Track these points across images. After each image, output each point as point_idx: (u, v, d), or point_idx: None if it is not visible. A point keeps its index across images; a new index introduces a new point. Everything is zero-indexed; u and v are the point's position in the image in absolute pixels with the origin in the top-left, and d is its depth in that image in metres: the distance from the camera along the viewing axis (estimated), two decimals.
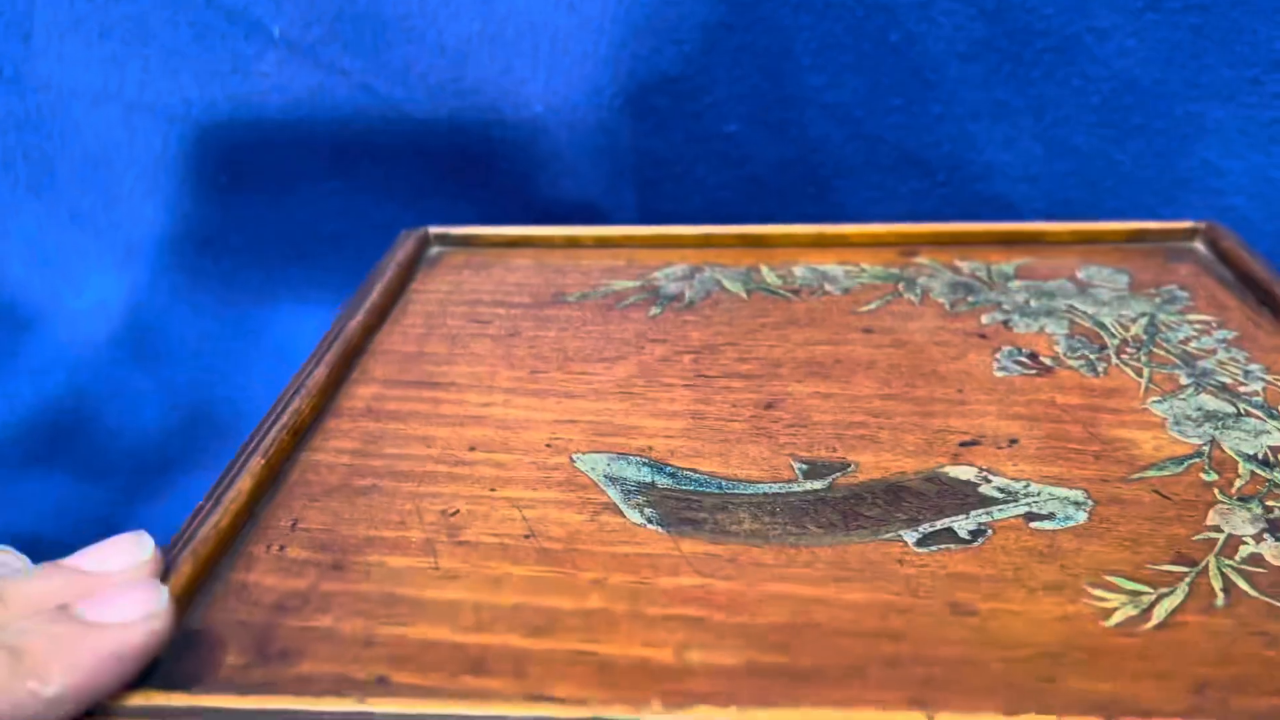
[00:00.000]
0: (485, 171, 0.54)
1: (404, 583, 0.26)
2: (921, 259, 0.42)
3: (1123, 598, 0.25)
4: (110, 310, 0.61)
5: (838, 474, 0.29)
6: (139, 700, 0.22)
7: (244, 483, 0.29)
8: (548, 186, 0.54)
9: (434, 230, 0.45)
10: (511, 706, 0.22)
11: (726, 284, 0.41)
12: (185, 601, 0.25)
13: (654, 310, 0.39)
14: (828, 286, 0.40)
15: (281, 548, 0.27)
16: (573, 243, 0.45)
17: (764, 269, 0.42)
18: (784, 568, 0.26)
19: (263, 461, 0.30)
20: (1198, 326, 0.37)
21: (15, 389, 0.59)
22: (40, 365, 0.61)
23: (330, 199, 0.57)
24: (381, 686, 0.23)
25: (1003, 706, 0.21)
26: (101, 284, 0.61)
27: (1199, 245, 0.43)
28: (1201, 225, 0.43)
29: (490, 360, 0.36)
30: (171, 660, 0.23)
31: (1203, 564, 0.25)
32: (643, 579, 0.26)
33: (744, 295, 0.40)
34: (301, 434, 0.32)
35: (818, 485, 0.29)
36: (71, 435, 0.59)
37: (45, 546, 0.40)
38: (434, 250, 0.45)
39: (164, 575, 0.25)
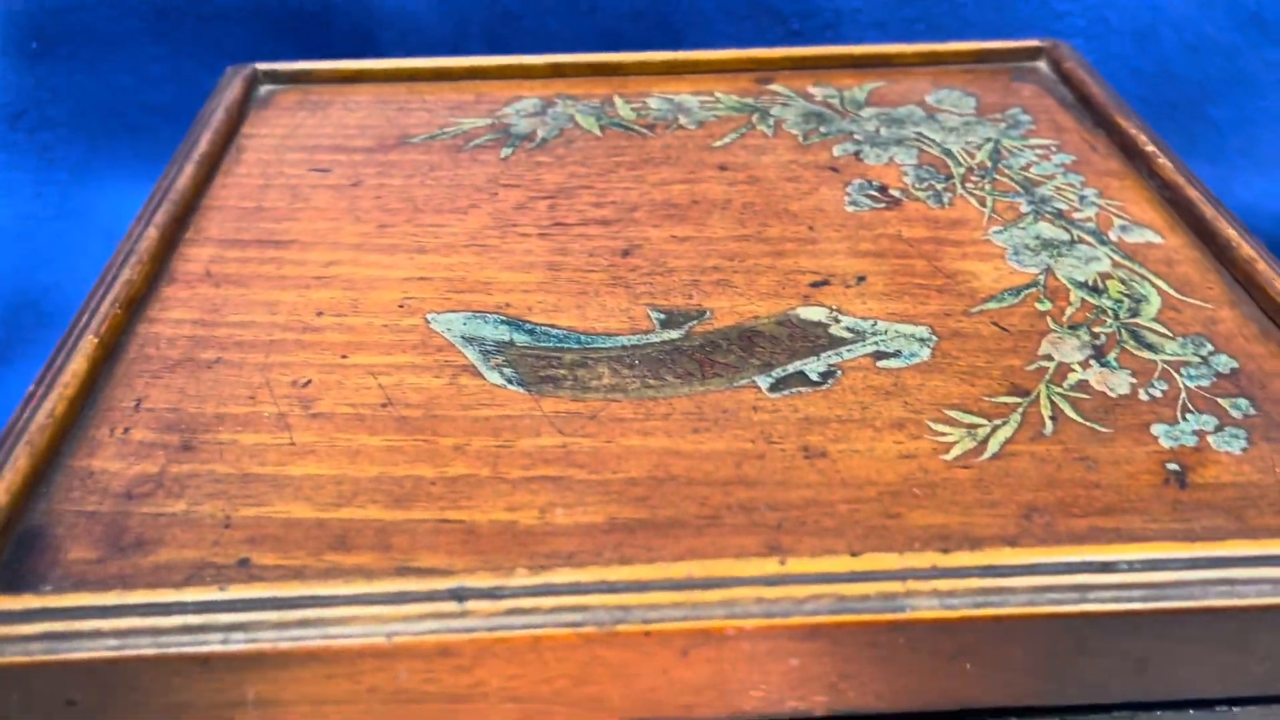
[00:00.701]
0: (325, 32, 0.51)
1: (259, 460, 0.25)
2: (776, 86, 0.42)
3: (961, 431, 0.26)
4: None
5: (694, 322, 0.30)
6: None
7: (78, 364, 0.27)
8: (392, 47, 0.51)
9: (262, 67, 0.42)
10: (378, 583, 0.22)
11: (580, 120, 0.40)
12: (24, 495, 0.24)
13: (505, 151, 0.38)
14: (682, 120, 0.40)
15: (126, 430, 0.26)
16: (414, 75, 0.43)
17: (618, 100, 0.41)
18: (643, 421, 0.26)
19: (95, 339, 0.28)
20: (1038, 151, 0.37)
21: None
22: None
23: (154, 64, 0.53)
24: (243, 570, 0.22)
25: (848, 547, 0.23)
26: None
27: (1042, 65, 0.43)
28: (1046, 44, 0.43)
29: (334, 213, 0.34)
30: (15, 560, 0.23)
31: (1034, 394, 0.27)
32: (504, 442, 0.26)
33: (598, 132, 0.39)
34: (136, 305, 0.30)
35: (675, 335, 0.29)
36: None
37: None
38: (264, 89, 0.42)
39: None
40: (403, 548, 0.23)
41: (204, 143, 0.37)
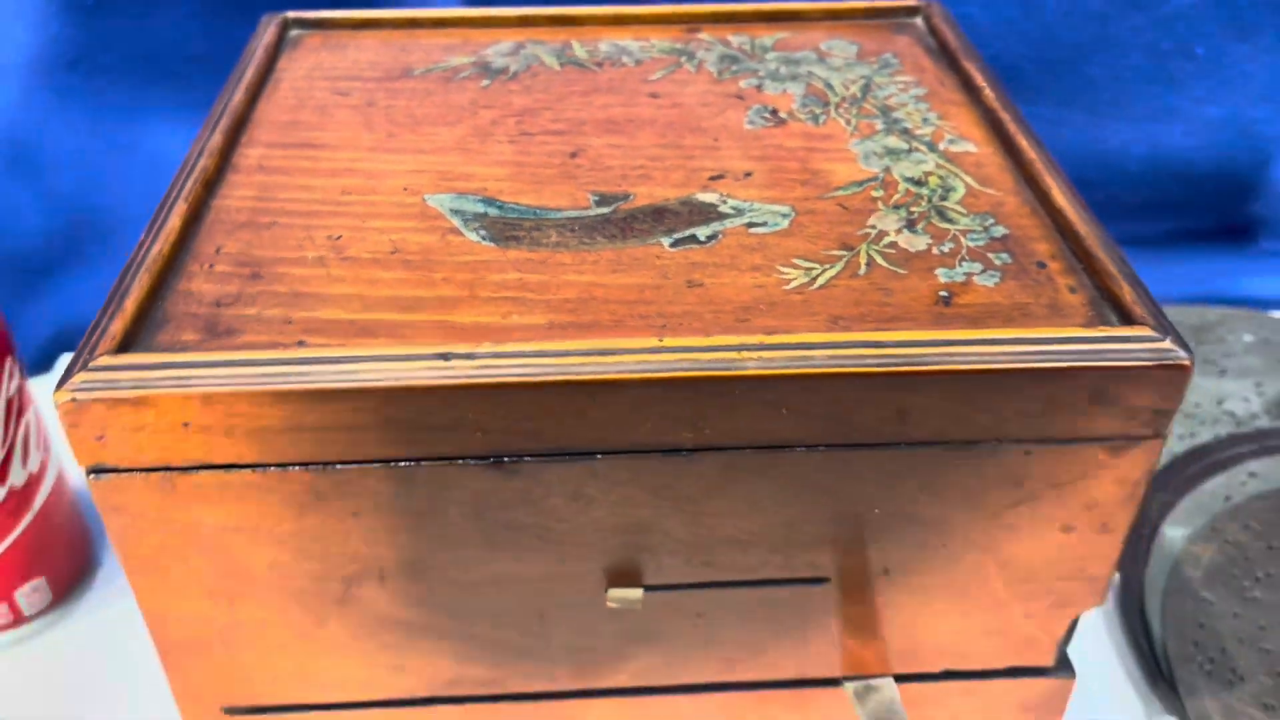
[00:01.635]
0: None
1: (307, 285, 0.36)
2: (702, 34, 0.52)
3: (799, 272, 0.37)
4: None
5: (620, 202, 0.40)
6: (125, 360, 0.32)
7: (173, 222, 0.38)
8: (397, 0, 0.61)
9: (291, 15, 0.53)
10: (401, 348, 0.33)
11: (544, 59, 0.50)
12: (147, 302, 0.35)
13: (485, 82, 0.48)
14: (624, 59, 0.50)
15: (211, 266, 0.37)
16: (413, 24, 0.53)
17: (575, 44, 0.51)
18: (578, 265, 0.37)
19: (185, 205, 0.39)
20: (900, 86, 0.48)
21: None
22: None
23: (191, 21, 0.63)
24: (301, 347, 0.33)
25: (706, 334, 0.34)
26: None
27: (918, 21, 0.54)
28: (921, 4, 0.54)
29: (353, 126, 0.45)
30: (147, 338, 0.33)
31: (857, 249, 0.38)
32: (479, 276, 0.37)
33: (558, 68, 0.50)
34: (210, 186, 0.41)
35: (605, 210, 0.40)
36: None
37: None
38: (293, 33, 0.53)
39: (121, 297, 0.34)
40: (409, 336, 0.34)
41: (249, 74, 0.48)
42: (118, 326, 0.33)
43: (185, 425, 0.32)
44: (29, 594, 0.50)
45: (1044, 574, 0.38)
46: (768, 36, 0.52)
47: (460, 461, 0.34)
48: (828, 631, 0.39)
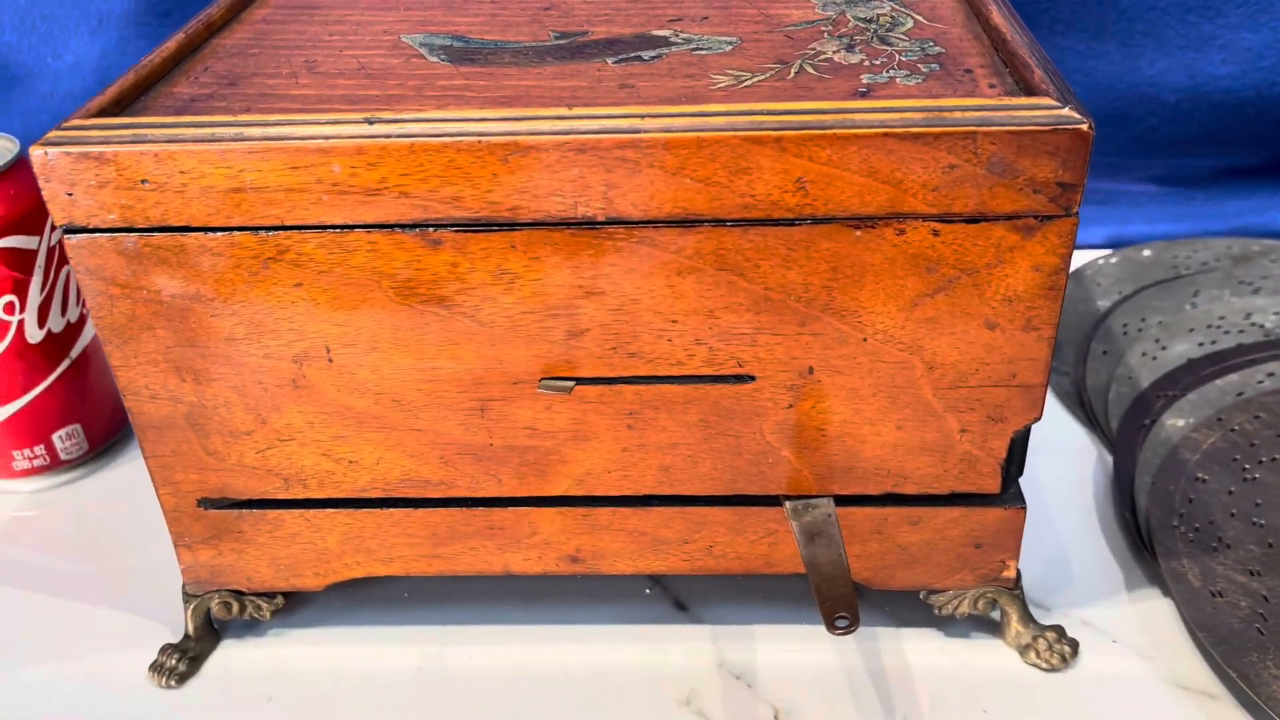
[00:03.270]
0: None
1: (274, 90, 0.39)
2: None
3: (730, 78, 0.38)
4: (84, 70, 0.74)
5: (578, 37, 0.43)
6: (93, 122, 0.36)
7: (169, 44, 0.42)
8: None
9: None
10: (331, 113, 0.36)
11: None
12: (129, 97, 0.39)
13: None
14: None
15: (196, 78, 0.41)
16: None
17: None
18: (521, 76, 0.40)
19: (184, 35, 0.43)
20: None
21: (9, 128, 0.73)
22: (30, 111, 0.74)
23: None
24: (244, 114, 0.37)
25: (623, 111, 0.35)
26: (77, 48, 0.74)
27: None
28: None
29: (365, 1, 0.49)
30: (120, 116, 0.37)
31: (791, 63, 0.39)
32: (428, 82, 0.39)
33: None
34: (214, 28, 0.45)
35: (562, 42, 0.43)
36: None
37: None
38: None
39: (105, 89, 0.38)
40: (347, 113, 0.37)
41: None
42: (95, 103, 0.37)
43: (143, 183, 0.36)
44: (65, 439, 0.55)
45: (974, 379, 0.38)
46: None
47: (389, 229, 0.36)
48: (761, 439, 0.40)
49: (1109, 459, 0.53)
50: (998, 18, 0.41)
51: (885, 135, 0.34)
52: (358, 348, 0.39)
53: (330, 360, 0.39)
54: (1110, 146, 0.72)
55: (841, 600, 0.36)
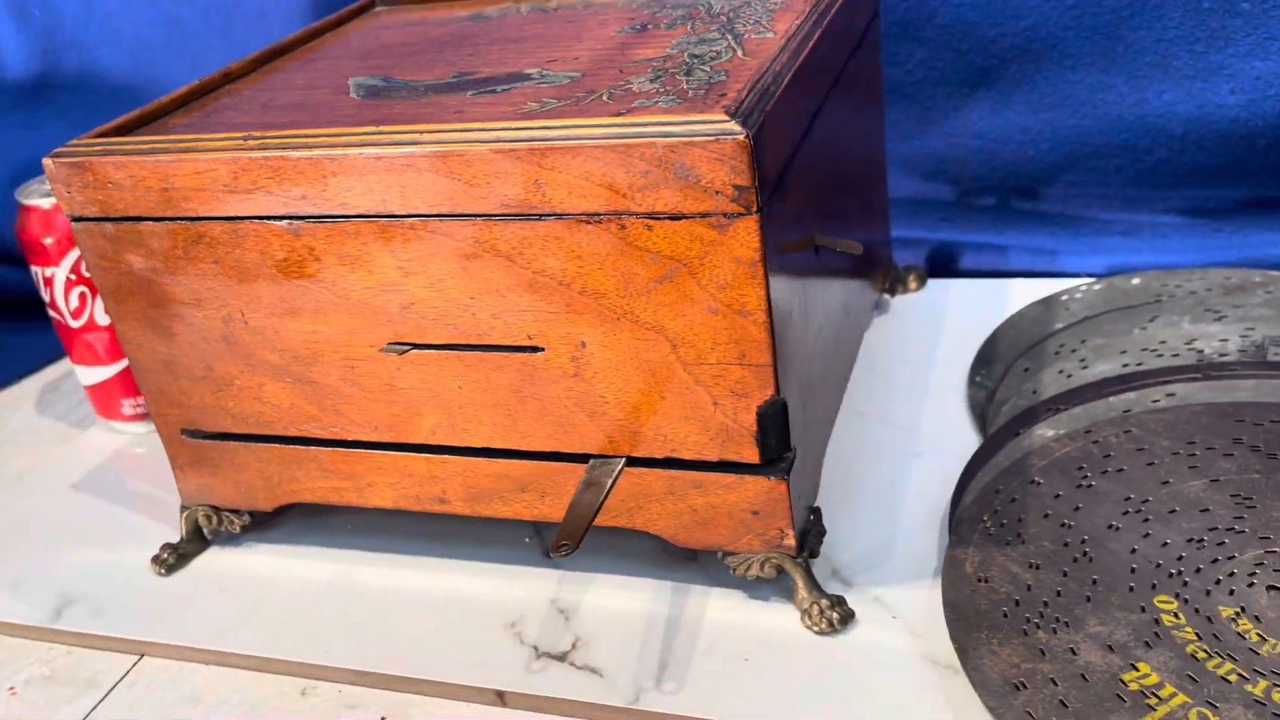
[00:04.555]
0: None
1: (224, 118, 0.53)
2: None
3: (537, 105, 0.47)
4: None
5: (467, 75, 0.53)
6: (87, 141, 0.50)
7: (179, 91, 0.57)
8: None
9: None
10: (225, 134, 0.48)
11: (522, 9, 0.64)
12: (134, 124, 0.53)
13: (465, 23, 0.63)
14: (578, 6, 0.63)
15: (191, 113, 0.55)
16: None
17: (555, 1, 0.65)
18: (396, 105, 0.50)
19: (198, 84, 0.57)
20: (767, 5, 0.56)
21: None
22: None
23: None
24: (169, 135, 0.50)
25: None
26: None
27: None
28: None
29: (352, 55, 0.62)
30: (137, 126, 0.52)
31: (599, 92, 0.47)
32: (332, 112, 0.51)
33: (525, 13, 0.63)
34: (232, 78, 0.59)
35: (453, 80, 0.53)
36: None
37: None
38: (377, 9, 0.71)
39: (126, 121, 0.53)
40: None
41: (319, 24, 0.67)
42: (100, 130, 0.52)
43: (109, 184, 0.50)
44: None
45: (710, 357, 0.44)
46: None
47: (264, 220, 0.48)
48: (561, 404, 0.48)
49: None
50: (784, 53, 0.47)
51: (592, 146, 0.41)
52: (261, 313, 0.51)
53: (245, 323, 0.51)
54: (1123, 178, 0.72)
55: (571, 533, 0.44)
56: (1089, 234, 0.75)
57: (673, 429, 0.47)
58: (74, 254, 0.67)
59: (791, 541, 0.48)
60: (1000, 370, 0.62)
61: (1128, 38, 0.69)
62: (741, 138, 0.39)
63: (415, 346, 0.49)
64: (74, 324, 0.69)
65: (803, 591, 0.48)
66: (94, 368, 0.70)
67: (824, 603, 0.48)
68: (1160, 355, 0.58)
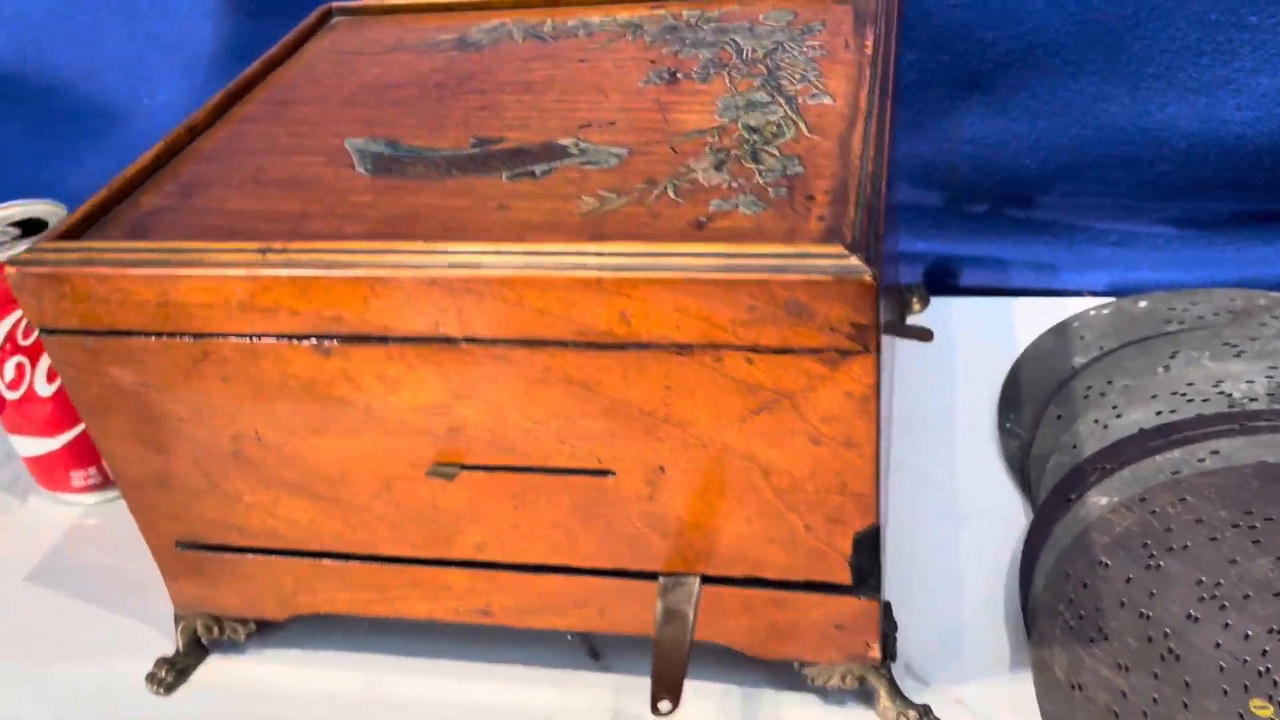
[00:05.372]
0: None
1: (219, 203, 0.46)
2: (662, 10, 0.58)
3: (596, 200, 0.42)
4: (175, 109, 0.83)
5: (492, 144, 0.47)
6: (57, 245, 0.43)
7: (147, 156, 0.49)
8: None
9: (335, 4, 0.64)
10: (236, 243, 0.41)
11: (514, 33, 0.58)
12: (100, 211, 0.46)
13: (453, 54, 0.57)
14: (580, 33, 0.57)
15: (162, 187, 0.47)
16: (429, 8, 0.62)
17: (549, 21, 0.59)
18: (423, 191, 0.44)
19: (163, 144, 0.50)
20: (805, 50, 0.52)
21: (109, 165, 0.82)
22: (127, 149, 0.83)
23: None
24: (167, 243, 0.43)
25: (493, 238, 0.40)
26: (169, 89, 0.83)
27: None
28: None
29: (328, 88, 0.55)
30: (87, 234, 0.44)
31: (659, 183, 0.43)
32: (342, 197, 0.45)
33: (520, 41, 0.57)
34: (196, 132, 0.52)
35: (476, 150, 0.47)
36: None
37: None
38: (335, 20, 0.63)
39: (82, 206, 0.46)
40: (267, 235, 0.42)
41: (275, 50, 0.59)
42: (63, 227, 0.44)
43: (91, 296, 0.42)
44: None
45: (808, 485, 0.41)
46: (717, 10, 0.57)
47: (287, 339, 0.42)
48: (630, 523, 0.44)
49: None
50: (858, 137, 0.43)
51: (690, 281, 0.37)
52: (279, 431, 0.45)
53: (259, 440, 0.45)
54: (1122, 190, 0.71)
55: (669, 685, 0.41)
56: (1083, 242, 0.73)
57: (755, 550, 0.44)
58: (11, 318, 0.59)
59: (876, 654, 0.46)
60: (1029, 415, 0.61)
61: (1132, 47, 0.67)
62: (868, 278, 0.36)
63: (466, 468, 0.44)
64: (10, 395, 0.61)
65: (886, 701, 0.46)
66: (35, 439, 0.63)
67: (911, 715, 0.46)
68: (1191, 400, 0.58)
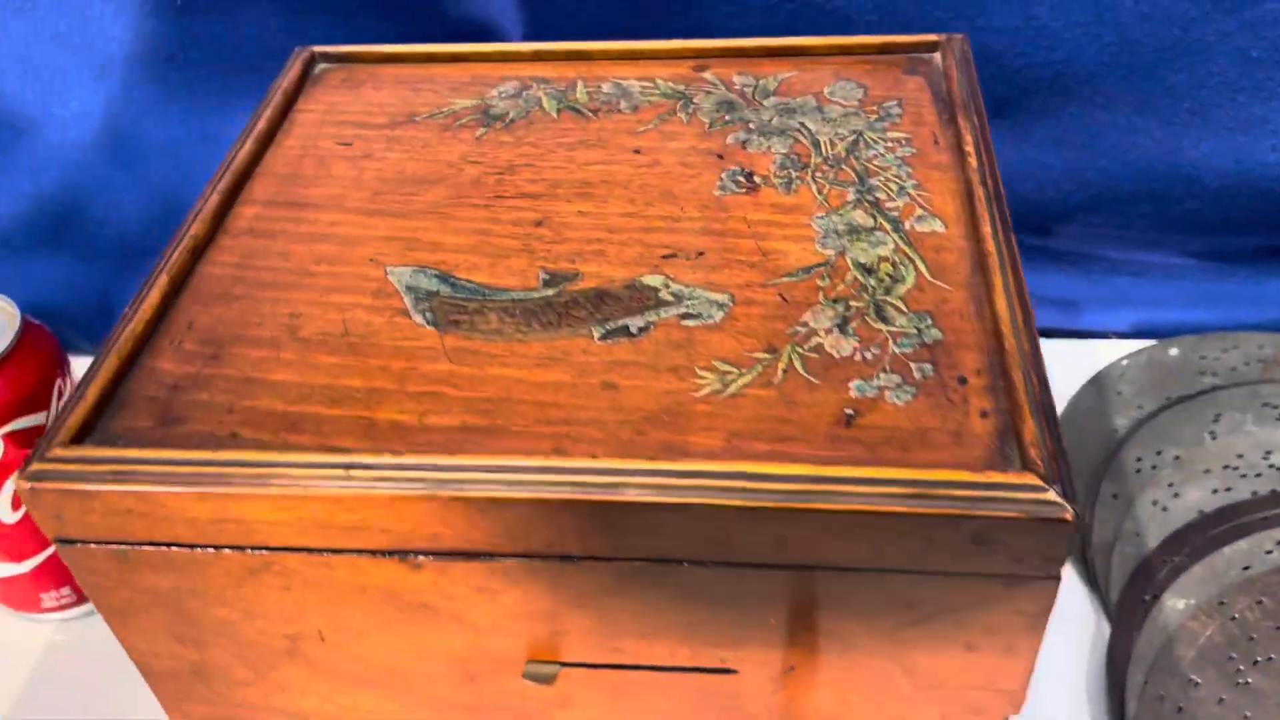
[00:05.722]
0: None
1: (256, 369, 0.39)
2: (708, 74, 0.52)
3: (715, 377, 0.37)
4: (91, 118, 0.72)
5: (566, 283, 0.41)
6: (76, 452, 0.36)
7: (153, 296, 0.41)
8: (453, 8, 0.62)
9: (318, 50, 0.55)
10: (312, 455, 0.35)
11: (545, 103, 0.51)
12: (111, 385, 0.38)
13: (480, 132, 0.50)
14: (622, 105, 0.50)
15: (180, 343, 0.40)
16: (430, 58, 0.54)
17: (580, 85, 0.52)
18: (507, 357, 0.39)
19: (167, 278, 0.42)
20: (890, 144, 0.47)
21: (17, 184, 0.70)
22: (37, 164, 0.72)
23: (273, 19, 0.65)
24: (233, 440, 0.36)
25: (605, 452, 0.35)
26: (82, 95, 0.72)
27: (936, 58, 0.51)
28: (942, 38, 0.51)
29: (345, 181, 0.47)
30: (102, 424, 0.37)
31: (780, 352, 0.38)
32: (412, 365, 0.39)
33: (555, 115, 0.50)
34: (198, 252, 0.44)
35: (550, 292, 0.41)
36: (67, 224, 0.72)
37: (55, 318, 0.55)
38: (319, 68, 0.55)
39: (86, 383, 0.38)
40: (329, 433, 0.36)
41: (263, 120, 0.50)
42: (76, 416, 0.37)
43: (128, 511, 0.36)
44: None
45: (952, 684, 0.38)
46: (772, 77, 0.51)
47: (370, 554, 0.36)
48: (751, 716, 0.41)
49: (1107, 630, 0.53)
50: (999, 296, 0.39)
51: (863, 513, 0.33)
52: (348, 633, 0.39)
53: (323, 639, 0.40)
54: (1146, 224, 0.69)
55: None
56: (1100, 273, 0.71)
57: None
58: None
59: None
60: (1082, 490, 0.59)
61: (1167, 80, 0.64)
62: (1068, 515, 0.32)
63: (568, 665, 0.40)
64: None
65: None
66: (1, 564, 0.55)
67: None
68: (1245, 476, 0.57)
